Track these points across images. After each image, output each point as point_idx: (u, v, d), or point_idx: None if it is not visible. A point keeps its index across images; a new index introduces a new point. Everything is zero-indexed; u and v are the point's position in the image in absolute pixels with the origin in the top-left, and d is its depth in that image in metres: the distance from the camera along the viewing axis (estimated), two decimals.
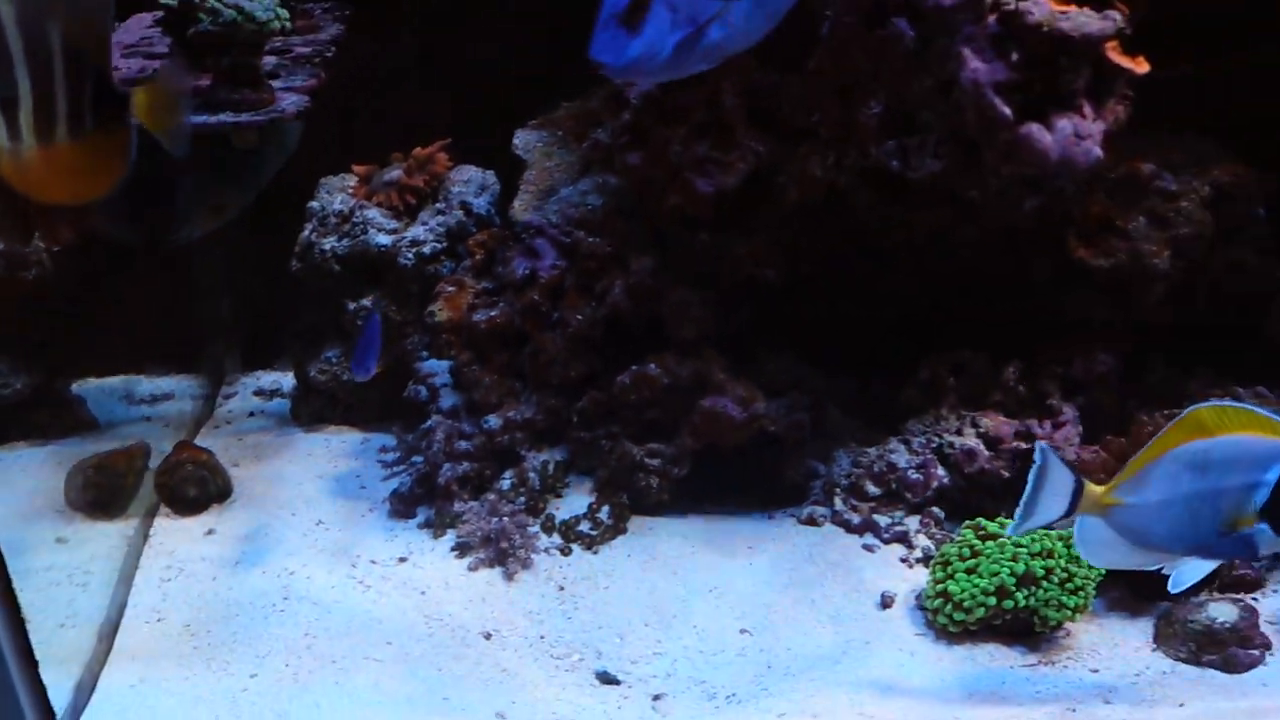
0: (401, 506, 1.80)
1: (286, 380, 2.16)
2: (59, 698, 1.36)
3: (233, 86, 1.40)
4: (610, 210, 1.75)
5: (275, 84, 1.51)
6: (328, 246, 1.95)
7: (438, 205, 1.96)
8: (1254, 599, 1.65)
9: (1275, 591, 1.67)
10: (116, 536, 1.72)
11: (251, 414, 2.13)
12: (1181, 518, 1.26)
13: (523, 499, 1.74)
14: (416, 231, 1.93)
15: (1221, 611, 1.56)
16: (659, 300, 1.72)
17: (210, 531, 1.78)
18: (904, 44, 1.46)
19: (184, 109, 1.21)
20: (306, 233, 1.98)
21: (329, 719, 1.38)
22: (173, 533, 1.77)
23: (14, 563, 1.14)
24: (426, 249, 1.92)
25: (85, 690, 1.41)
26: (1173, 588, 1.31)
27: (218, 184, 1.88)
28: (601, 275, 1.74)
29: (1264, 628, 1.58)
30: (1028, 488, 1.30)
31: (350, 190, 1.98)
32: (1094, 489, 1.28)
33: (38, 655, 1.16)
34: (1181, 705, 1.47)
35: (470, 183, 1.98)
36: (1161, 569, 1.33)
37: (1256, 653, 1.55)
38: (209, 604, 1.60)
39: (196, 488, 1.79)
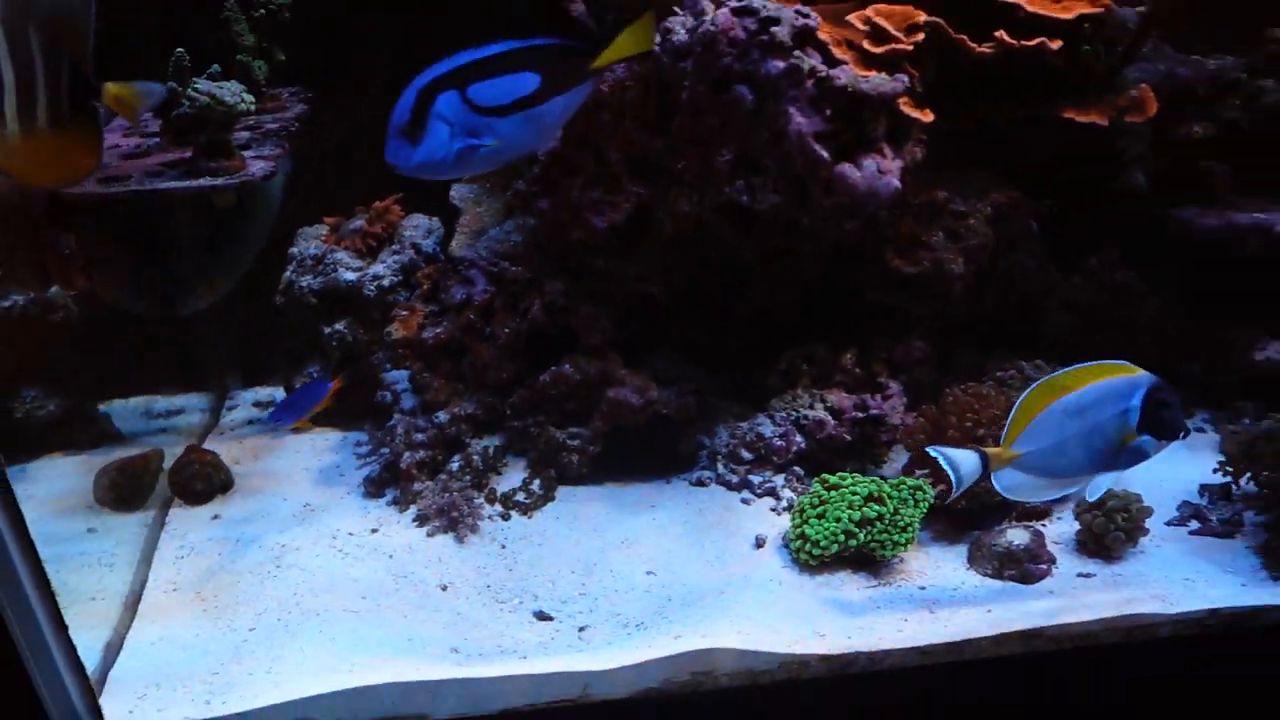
0: (373, 489, 1.78)
1: (279, 393, 2.12)
2: (91, 655, 1.35)
3: (209, 157, 1.40)
4: (529, 244, 1.73)
5: (247, 154, 1.48)
6: (305, 283, 1.92)
7: (394, 247, 1.94)
8: (1043, 525, 1.67)
9: (1059, 519, 1.70)
10: (137, 525, 1.69)
11: (250, 422, 2.09)
12: (1078, 452, 1.31)
13: (469, 477, 1.73)
14: (377, 269, 1.91)
15: (1017, 536, 1.59)
16: (570, 314, 1.71)
17: (216, 517, 1.76)
18: (745, 105, 1.46)
19: (145, 100, 1.19)
20: (288, 273, 1.95)
21: (313, 659, 1.37)
22: (185, 520, 1.75)
23: (52, 550, 1.15)
24: (385, 282, 1.90)
25: (114, 649, 1.41)
26: (1091, 495, 1.37)
27: (217, 256, 1.88)
28: (523, 297, 1.73)
29: (1050, 547, 1.61)
30: (943, 464, 1.32)
31: (322, 238, 1.96)
32: (995, 451, 1.32)
33: (73, 623, 1.16)
34: (989, 611, 1.49)
35: (419, 228, 1.97)
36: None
37: (1044, 567, 1.58)
38: (215, 575, 1.58)
39: (203, 482, 1.77)
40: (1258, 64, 1.83)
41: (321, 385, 1.77)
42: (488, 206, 1.86)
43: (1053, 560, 1.59)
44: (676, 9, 1.51)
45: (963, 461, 1.31)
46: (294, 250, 1.98)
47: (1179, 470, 1.79)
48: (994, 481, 1.35)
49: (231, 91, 1.40)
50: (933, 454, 1.33)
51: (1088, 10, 1.53)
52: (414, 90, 1.20)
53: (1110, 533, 1.59)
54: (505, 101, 1.22)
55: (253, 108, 1.47)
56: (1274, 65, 1.81)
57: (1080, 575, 1.57)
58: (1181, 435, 1.33)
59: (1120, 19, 1.61)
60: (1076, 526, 1.64)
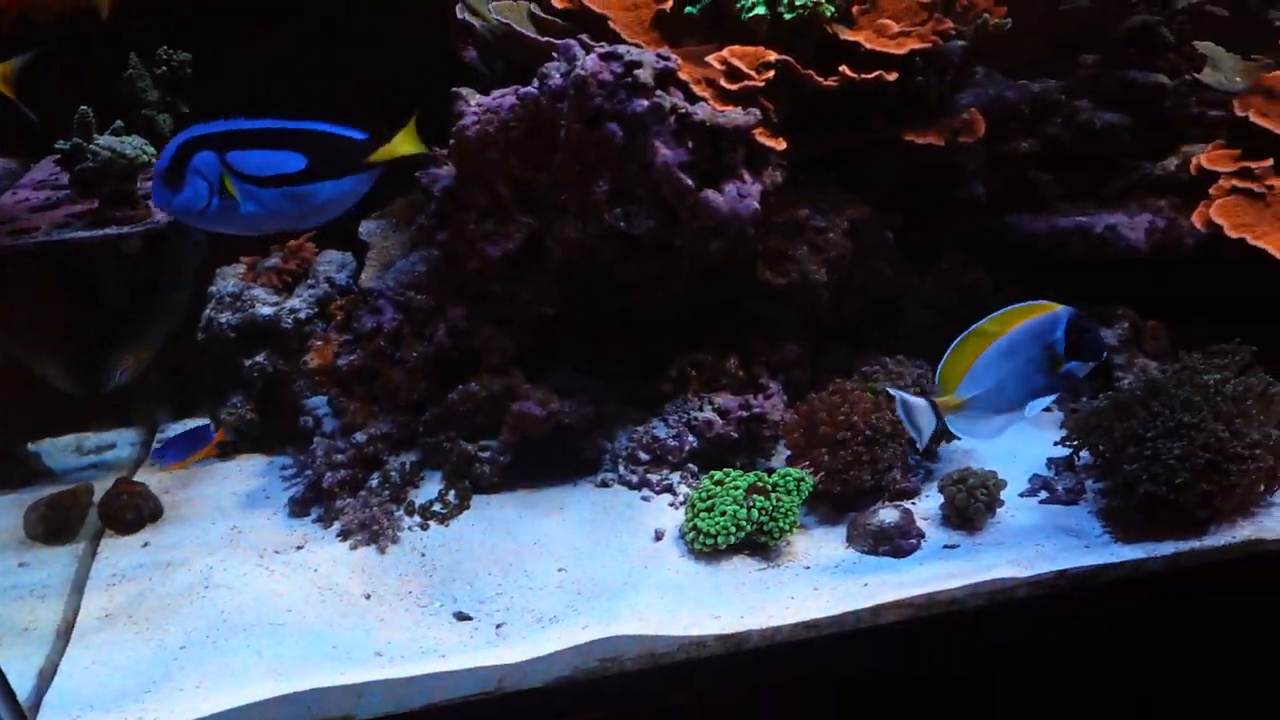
0: (298, 508, 1.77)
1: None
2: (24, 683, 1.33)
3: (115, 207, 1.40)
4: (431, 274, 1.75)
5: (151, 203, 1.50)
6: (224, 319, 1.91)
7: (309, 281, 1.94)
8: (912, 504, 1.73)
9: (926, 497, 1.76)
10: (68, 557, 1.67)
11: None
12: (1017, 388, 1.37)
13: (388, 492, 1.73)
14: (294, 303, 1.91)
15: (889, 515, 1.64)
16: (473, 337, 1.73)
17: (146, 544, 1.73)
18: (616, 141, 1.50)
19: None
20: (208, 310, 1.94)
21: (240, 673, 1.36)
22: (116, 549, 1.72)
23: None
24: (302, 314, 1.90)
25: (47, 676, 1.38)
26: (1029, 413, 1.40)
27: (140, 326, 1.86)
28: (429, 323, 1.74)
29: (919, 523, 1.66)
30: (904, 421, 1.37)
31: (240, 276, 1.95)
32: (944, 399, 1.36)
33: (6, 654, 1.14)
34: (865, 585, 1.53)
35: (332, 262, 1.97)
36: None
37: (914, 541, 1.64)
38: (146, 599, 1.56)
39: (132, 512, 1.75)
40: (1074, 86, 1.95)
41: (205, 434, 1.76)
42: (394, 240, 1.87)
43: (921, 535, 1.65)
44: (554, 54, 1.56)
45: (919, 413, 1.36)
46: (213, 289, 1.96)
47: (1030, 446, 1.88)
48: (949, 426, 1.40)
49: (133, 145, 1.41)
50: (894, 395, 1.37)
51: (918, 46, 1.63)
52: (175, 143, 1.22)
53: (971, 506, 1.66)
54: (265, 174, 1.25)
55: (155, 159, 1.47)
56: (1086, 87, 1.94)
57: (946, 546, 1.64)
58: (1105, 355, 1.38)
59: (946, 52, 1.71)
60: (939, 506, 1.70)
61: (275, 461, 1.98)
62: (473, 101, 1.58)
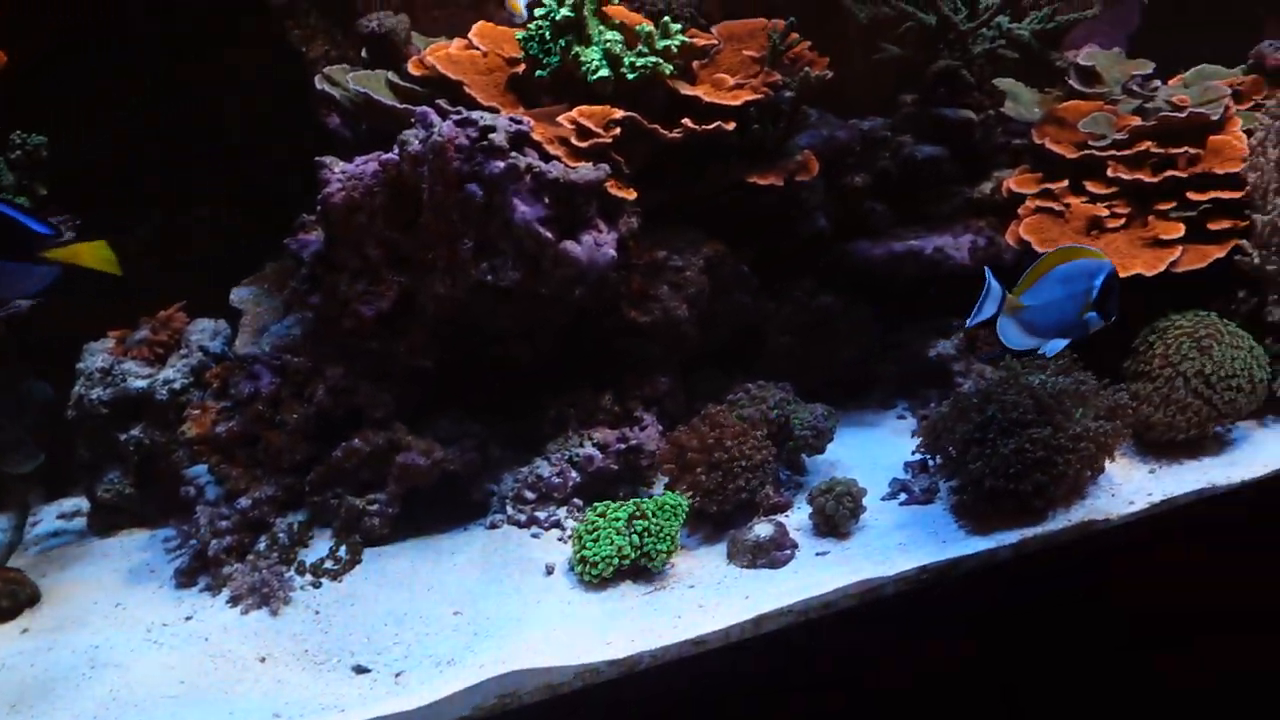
0: (184, 579, 1.76)
1: (83, 503, 2.05)
2: None
3: None
4: (307, 336, 1.78)
5: None
6: (95, 395, 1.89)
7: (182, 351, 1.94)
8: (784, 517, 1.83)
9: (797, 509, 1.86)
10: None
11: (55, 534, 2.01)
12: (1056, 314, 1.49)
13: (276, 554, 1.74)
14: (167, 373, 1.90)
15: (764, 529, 1.73)
16: (353, 395, 1.76)
17: (25, 630, 1.69)
18: (477, 200, 1.58)
19: None
20: (77, 387, 1.92)
21: None
22: None
23: None
24: (177, 385, 1.90)
25: None
26: (1049, 352, 1.54)
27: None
28: (307, 384, 1.76)
29: (792, 535, 1.76)
30: (979, 300, 1.48)
31: (109, 350, 1.94)
32: (1013, 298, 1.49)
33: None
34: (747, 597, 1.61)
35: (205, 331, 1.98)
36: (1040, 349, 1.55)
37: (789, 552, 1.72)
38: (29, 686, 1.53)
39: (8, 600, 1.71)
40: (897, 123, 2.16)
41: None
42: (267, 306, 1.90)
43: (795, 545, 1.74)
44: (413, 121, 1.64)
45: (994, 295, 1.50)
46: (81, 365, 1.94)
47: (889, 452, 2.02)
48: (998, 326, 1.53)
49: None
50: (988, 277, 1.50)
51: (752, 97, 1.78)
52: None
53: (838, 513, 1.77)
54: None
55: None
56: (908, 124, 2.14)
57: (818, 554, 1.73)
58: (1112, 319, 1.51)
59: (778, 102, 1.88)
60: (810, 512, 1.80)
61: (158, 535, 1.95)
62: (336, 169, 1.64)
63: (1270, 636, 2.12)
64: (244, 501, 1.78)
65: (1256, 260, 1.92)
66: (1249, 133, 2.01)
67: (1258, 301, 1.96)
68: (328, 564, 1.77)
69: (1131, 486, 1.85)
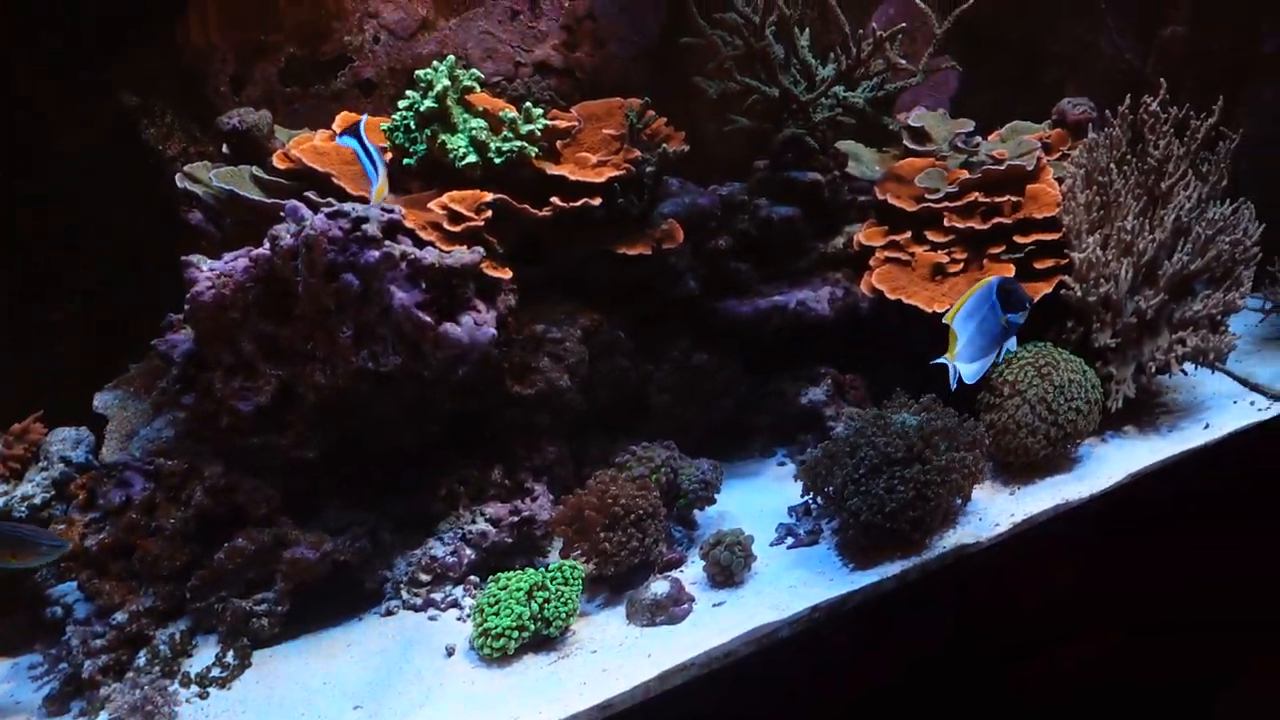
0: (56, 706, 1.66)
1: None
2: None
3: None
4: (182, 437, 1.73)
5: None
6: None
7: (41, 464, 1.85)
8: (679, 573, 1.87)
9: (691, 564, 1.91)
10: None
11: None
12: (982, 339, 1.71)
13: (158, 668, 1.67)
14: (25, 489, 1.81)
15: (661, 587, 1.77)
16: (234, 492, 1.73)
17: None
18: (354, 290, 1.59)
19: None
20: None
21: None
22: None
23: None
24: (37, 500, 1.81)
25: None
26: (1000, 358, 1.77)
27: None
28: (184, 486, 1.72)
29: (688, 589, 1.80)
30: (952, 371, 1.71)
31: None
32: (949, 354, 1.71)
33: None
34: (650, 656, 1.63)
35: (66, 440, 1.89)
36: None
37: (687, 606, 1.76)
38: None
39: None
40: (753, 187, 2.30)
41: None
42: (135, 410, 1.84)
43: (692, 599, 1.78)
44: (282, 215, 1.65)
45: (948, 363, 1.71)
46: None
47: (773, 499, 2.11)
48: (953, 375, 1.73)
49: None
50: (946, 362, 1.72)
51: (614, 173, 1.88)
52: None
53: (732, 563, 1.83)
54: None
55: None
56: (762, 187, 2.29)
57: (715, 605, 1.78)
58: (1029, 304, 1.74)
59: (639, 175, 1.98)
60: (704, 569, 1.86)
61: (20, 663, 1.82)
62: (204, 267, 1.63)
63: (1132, 638, 2.31)
64: (120, 616, 1.70)
65: (1079, 293, 2.13)
66: (1060, 180, 2.25)
67: (1084, 330, 2.17)
68: (215, 672, 1.71)
69: (996, 509, 2.00)
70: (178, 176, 1.81)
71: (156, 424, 1.79)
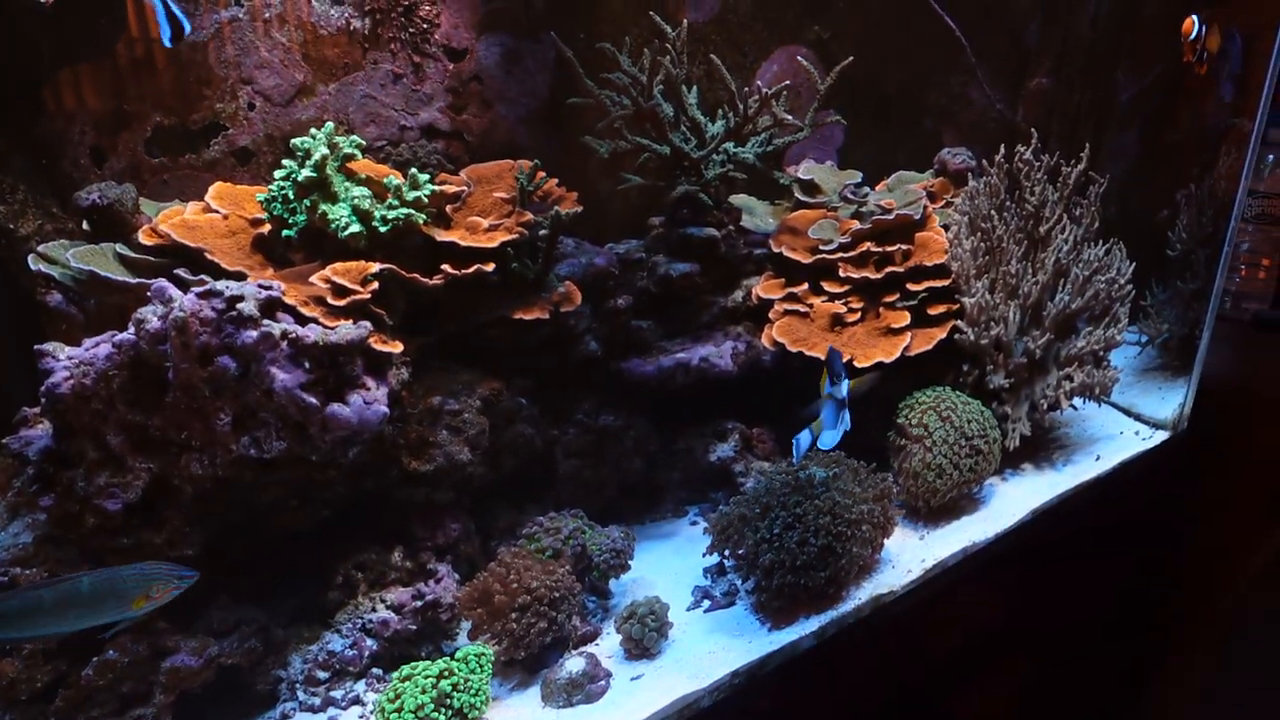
0: None
1: None
2: None
3: None
4: (41, 542, 1.57)
5: None
6: None
7: None
8: (595, 646, 1.82)
9: (607, 635, 1.87)
10: None
11: None
12: (826, 411, 1.68)
13: None
14: None
15: (575, 664, 1.71)
16: None
17: None
18: (231, 373, 1.49)
19: None
20: None
21: None
22: None
23: None
24: None
25: None
26: (826, 446, 1.71)
27: None
28: None
29: (605, 664, 1.75)
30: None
31: None
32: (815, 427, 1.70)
33: None
34: None
35: None
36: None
37: (603, 683, 1.72)
38: None
39: None
40: (650, 244, 2.29)
41: None
42: None
43: (609, 674, 1.74)
44: (148, 294, 1.53)
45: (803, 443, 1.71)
46: None
47: (687, 560, 2.08)
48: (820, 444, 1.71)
49: None
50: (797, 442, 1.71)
51: (507, 237, 1.83)
52: None
53: (646, 635, 1.78)
54: None
55: None
56: (659, 244, 2.28)
57: (633, 679, 1.73)
58: (843, 374, 1.72)
59: (533, 238, 1.94)
60: (619, 638, 1.80)
61: None
62: (62, 355, 1.50)
63: (1041, 661, 2.36)
64: None
65: (972, 337, 2.18)
66: (945, 227, 2.32)
67: (979, 372, 2.23)
68: None
69: (908, 555, 2.01)
70: (31, 258, 1.67)
71: (13, 529, 1.61)
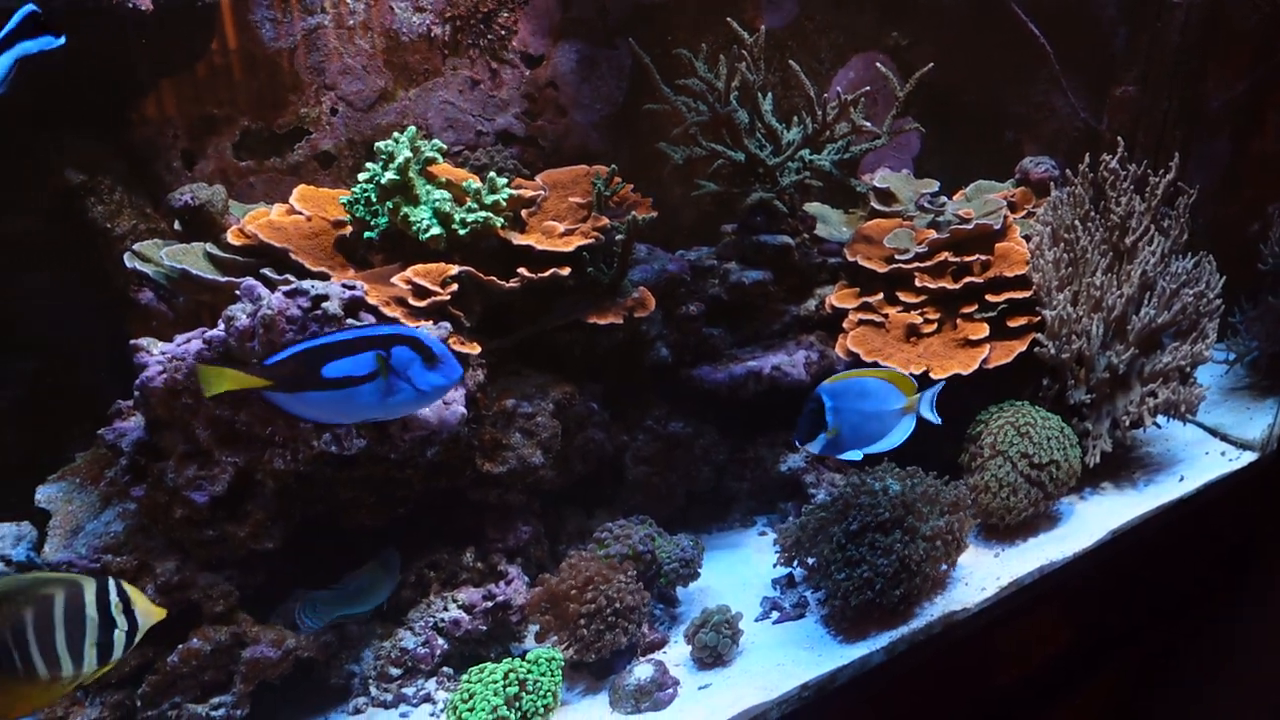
0: None
1: None
2: None
3: None
4: (132, 531, 1.64)
5: None
6: None
7: None
8: (663, 654, 1.83)
9: (675, 643, 1.87)
10: None
11: None
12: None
13: None
14: None
15: (644, 671, 1.71)
16: (189, 588, 1.64)
17: None
18: None
19: None
20: None
21: None
22: None
23: None
24: None
25: None
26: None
27: None
28: (134, 583, 1.54)
29: (673, 671, 1.74)
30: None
31: None
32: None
33: None
34: None
35: (6, 537, 1.74)
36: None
37: (671, 691, 1.71)
38: None
39: None
40: (722, 252, 2.29)
41: None
42: (81, 503, 1.73)
43: (677, 682, 1.73)
44: (237, 294, 1.59)
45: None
46: None
47: (755, 571, 2.07)
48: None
49: None
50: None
51: (583, 241, 1.85)
52: None
53: (721, 641, 1.78)
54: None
55: None
56: (731, 251, 2.27)
57: (701, 688, 1.73)
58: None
59: (608, 243, 1.95)
60: (688, 649, 1.81)
61: None
62: (155, 350, 1.56)
63: (1122, 687, 2.28)
64: None
65: (1052, 350, 2.13)
66: (1026, 238, 2.27)
67: (1059, 387, 2.17)
68: None
69: (982, 573, 1.97)
70: (126, 256, 1.74)
71: (105, 517, 1.68)
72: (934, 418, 1.73)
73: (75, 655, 1.19)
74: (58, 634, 1.18)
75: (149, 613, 1.27)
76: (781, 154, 2.19)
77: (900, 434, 1.70)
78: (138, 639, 1.27)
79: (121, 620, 1.24)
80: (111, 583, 1.24)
